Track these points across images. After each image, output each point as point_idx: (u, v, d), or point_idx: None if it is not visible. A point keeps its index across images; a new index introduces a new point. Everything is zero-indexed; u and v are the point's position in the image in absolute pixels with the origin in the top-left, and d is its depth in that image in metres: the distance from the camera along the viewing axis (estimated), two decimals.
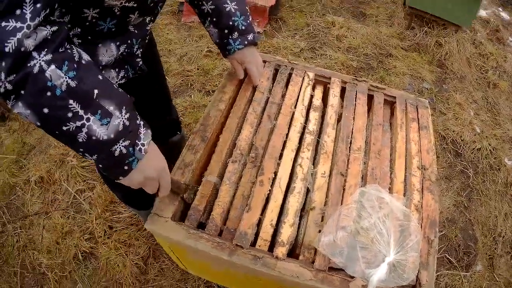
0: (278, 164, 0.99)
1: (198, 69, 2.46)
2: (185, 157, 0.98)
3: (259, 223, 0.88)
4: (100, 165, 0.70)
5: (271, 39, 2.69)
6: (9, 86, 0.55)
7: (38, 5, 0.53)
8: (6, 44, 0.51)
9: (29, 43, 0.53)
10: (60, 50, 0.59)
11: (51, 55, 0.56)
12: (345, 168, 0.98)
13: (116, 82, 0.90)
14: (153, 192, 0.82)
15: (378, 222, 0.85)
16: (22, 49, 0.53)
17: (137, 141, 0.71)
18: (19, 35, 0.52)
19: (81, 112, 0.61)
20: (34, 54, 0.55)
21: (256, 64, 1.14)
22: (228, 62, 1.15)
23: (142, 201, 1.39)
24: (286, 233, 0.85)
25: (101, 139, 0.64)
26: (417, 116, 1.12)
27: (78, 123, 0.61)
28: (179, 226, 0.85)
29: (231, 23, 1.02)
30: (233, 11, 1.01)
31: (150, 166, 0.76)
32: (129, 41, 0.84)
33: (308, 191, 0.97)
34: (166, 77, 2.38)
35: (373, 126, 1.08)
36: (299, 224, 0.91)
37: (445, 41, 2.63)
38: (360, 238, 0.82)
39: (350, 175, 0.96)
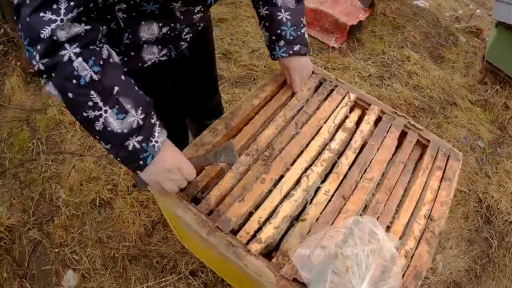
0: (287, 169, 1.00)
1: (265, 66, 2.52)
2: (204, 137, 1.04)
3: (249, 217, 0.91)
4: (118, 158, 0.76)
5: (344, 57, 2.68)
6: (42, 67, 0.64)
7: (72, 3, 0.62)
8: (42, 31, 0.61)
9: (62, 35, 0.62)
10: (91, 47, 0.67)
11: (80, 49, 0.65)
12: (349, 193, 0.96)
13: (157, 58, 0.98)
14: (183, 186, 0.87)
15: (361, 254, 0.82)
16: (54, 38, 0.62)
17: (151, 138, 0.77)
18: (53, 25, 0.61)
19: (100, 104, 0.69)
20: (66, 45, 0.63)
21: (300, 73, 1.16)
22: None
23: None
24: (267, 233, 0.87)
25: (115, 131, 0.72)
26: (445, 166, 1.06)
27: (97, 113, 0.69)
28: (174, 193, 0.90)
29: (279, 31, 1.06)
30: (285, 20, 1.05)
31: (165, 163, 0.80)
32: (172, 25, 0.90)
33: (307, 203, 0.97)
34: (233, 66, 2.50)
35: (395, 162, 1.05)
36: (287, 231, 0.92)
37: None
38: (336, 263, 0.80)
39: (351, 201, 0.94)
